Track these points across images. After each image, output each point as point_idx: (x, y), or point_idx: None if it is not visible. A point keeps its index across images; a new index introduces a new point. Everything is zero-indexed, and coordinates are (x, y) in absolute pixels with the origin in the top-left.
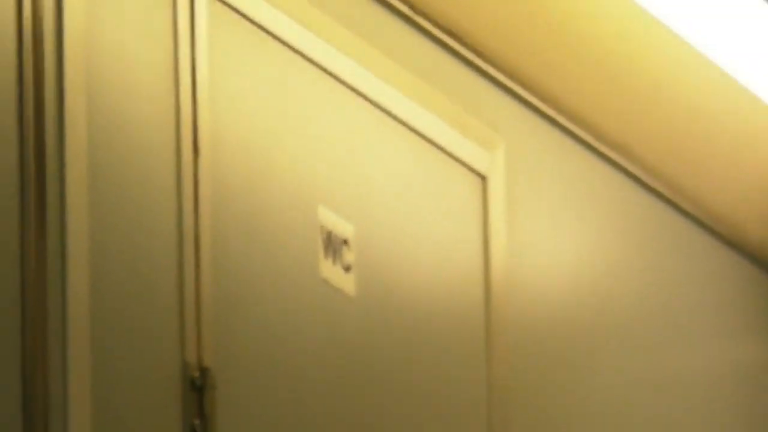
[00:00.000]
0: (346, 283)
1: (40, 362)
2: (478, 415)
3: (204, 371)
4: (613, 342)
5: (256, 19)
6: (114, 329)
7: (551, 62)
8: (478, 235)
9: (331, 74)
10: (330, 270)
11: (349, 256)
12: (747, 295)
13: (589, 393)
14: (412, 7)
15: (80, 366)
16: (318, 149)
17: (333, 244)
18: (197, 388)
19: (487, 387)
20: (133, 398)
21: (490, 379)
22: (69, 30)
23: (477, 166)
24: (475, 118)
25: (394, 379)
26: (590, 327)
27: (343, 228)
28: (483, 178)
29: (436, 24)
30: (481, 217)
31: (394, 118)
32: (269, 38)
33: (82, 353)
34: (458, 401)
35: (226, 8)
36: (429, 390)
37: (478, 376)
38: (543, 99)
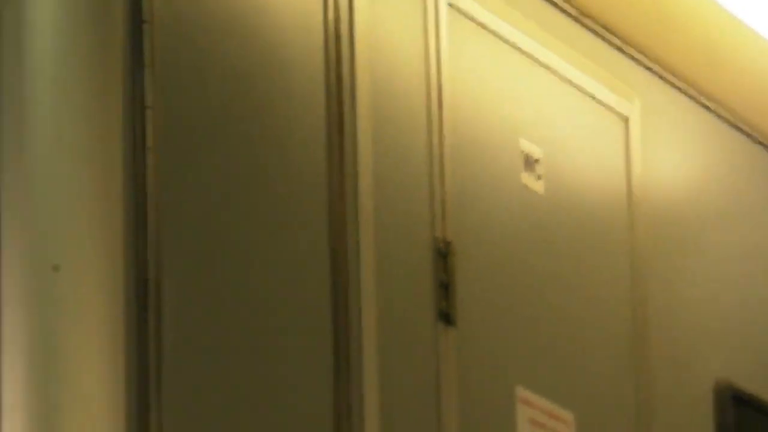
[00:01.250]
0: (538, 186)
1: (341, 226)
2: (623, 277)
3: (447, 243)
4: (712, 228)
5: (478, 18)
6: (391, 216)
7: (674, 43)
8: (623, 160)
9: (528, 55)
10: (527, 178)
11: (539, 169)
12: None
13: (700, 259)
14: (579, 10)
15: (366, 231)
16: (521, 105)
17: (529, 162)
18: (443, 255)
19: (630, 260)
20: (394, 259)
21: (632, 256)
22: (358, 35)
23: (621, 110)
24: (621, 81)
25: (562, 252)
26: (699, 218)
27: (535, 151)
28: (626, 120)
29: (595, 20)
30: (624, 148)
31: (568, 82)
32: (485, 32)
33: (368, 230)
34: (605, 270)
35: (464, 19)
36: (586, 260)
37: (623, 249)
38: (665, 69)
